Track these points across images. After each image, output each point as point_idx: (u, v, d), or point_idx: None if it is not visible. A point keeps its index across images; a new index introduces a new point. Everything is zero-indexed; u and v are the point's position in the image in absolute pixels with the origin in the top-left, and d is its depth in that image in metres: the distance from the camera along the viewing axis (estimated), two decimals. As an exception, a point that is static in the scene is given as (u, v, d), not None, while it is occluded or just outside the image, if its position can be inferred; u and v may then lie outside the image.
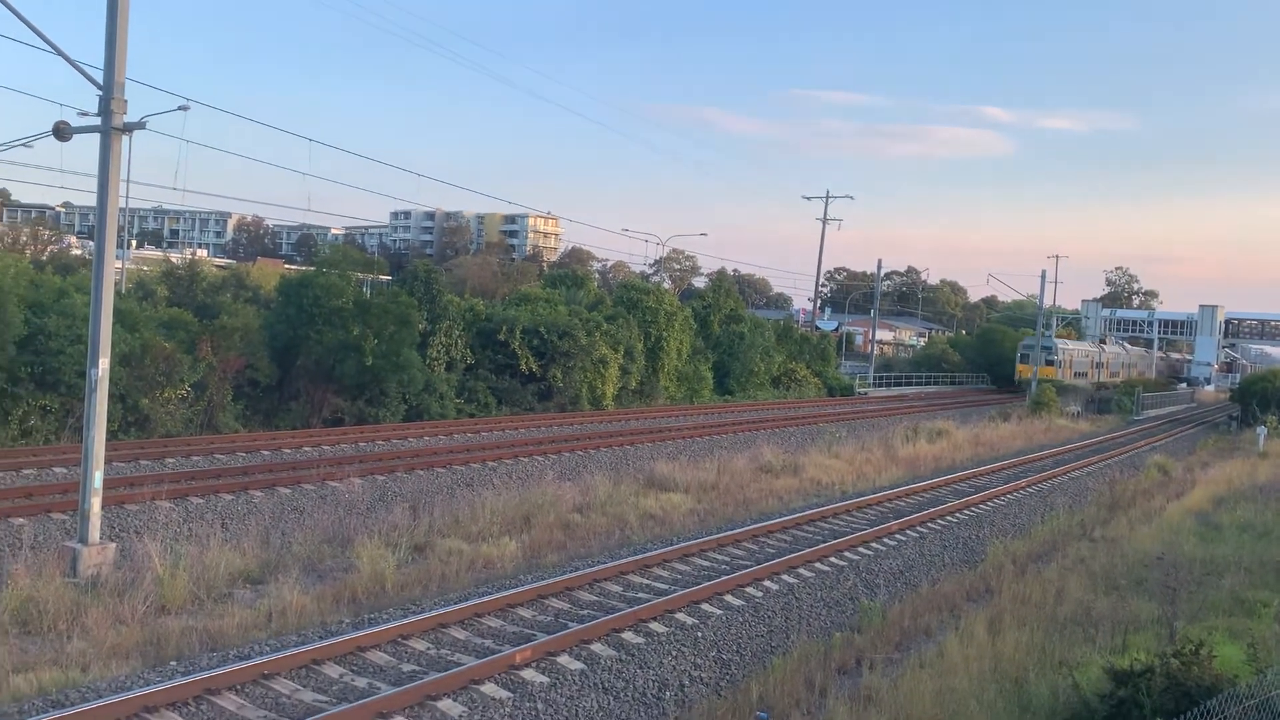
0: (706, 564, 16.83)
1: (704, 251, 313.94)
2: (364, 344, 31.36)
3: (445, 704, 10.16)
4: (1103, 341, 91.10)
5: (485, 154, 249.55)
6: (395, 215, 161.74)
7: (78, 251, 67.28)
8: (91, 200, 15.74)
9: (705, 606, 14.19)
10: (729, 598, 14.75)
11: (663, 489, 23.75)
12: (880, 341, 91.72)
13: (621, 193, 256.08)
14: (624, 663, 11.82)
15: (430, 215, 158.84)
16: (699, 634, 13.13)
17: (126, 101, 14.76)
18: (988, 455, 36.59)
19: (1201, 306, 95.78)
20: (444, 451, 27.50)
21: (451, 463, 25.76)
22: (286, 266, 79.15)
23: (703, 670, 12.22)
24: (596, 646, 12.14)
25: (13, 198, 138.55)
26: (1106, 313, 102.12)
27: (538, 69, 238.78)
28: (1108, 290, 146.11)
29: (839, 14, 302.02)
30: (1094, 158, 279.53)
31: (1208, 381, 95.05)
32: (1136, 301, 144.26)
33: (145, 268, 58.67)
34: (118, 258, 18.56)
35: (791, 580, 16.12)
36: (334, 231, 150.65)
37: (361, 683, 10.56)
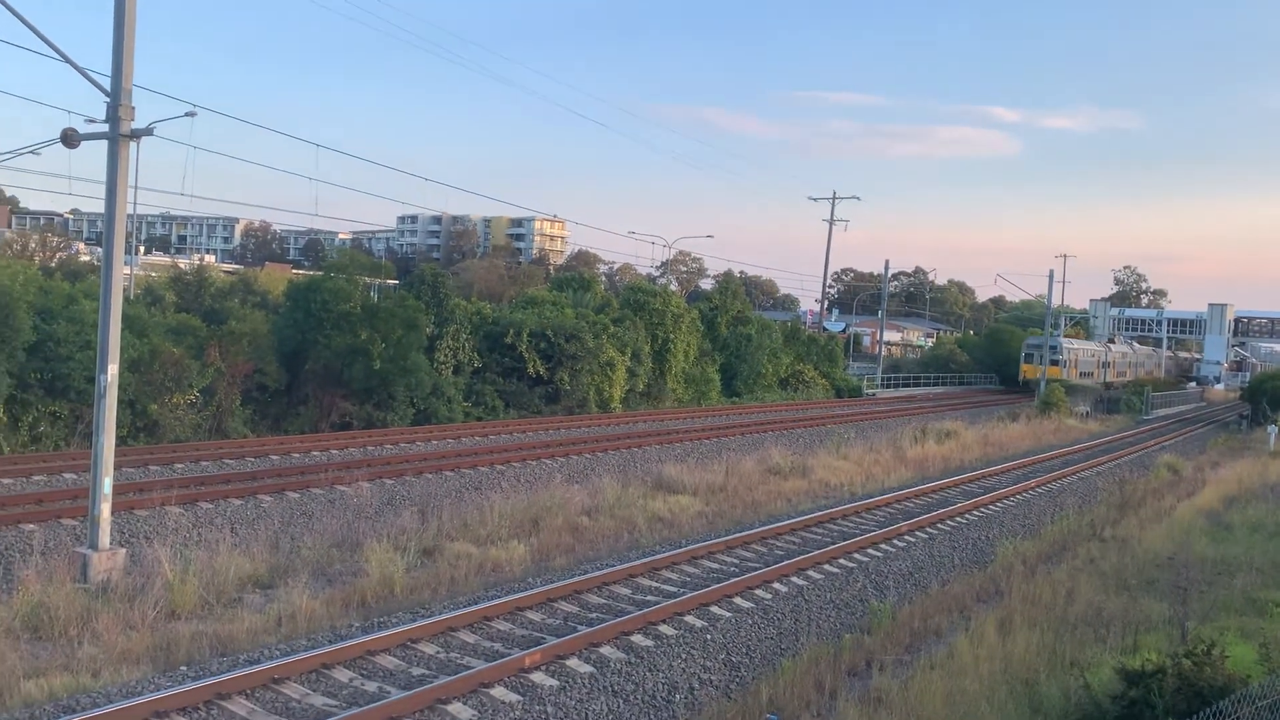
0: (715, 566, 16.81)
1: (710, 253, 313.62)
2: (372, 348, 31.40)
3: (455, 707, 10.16)
4: (1111, 341, 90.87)
5: (491, 158, 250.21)
6: (402, 219, 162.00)
7: (86, 258, 67.56)
8: (100, 207, 15.80)
9: (714, 609, 14.17)
10: (738, 600, 14.73)
11: (671, 491, 23.73)
12: (888, 342, 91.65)
13: (627, 195, 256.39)
14: (633, 666, 11.81)
15: (437, 219, 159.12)
16: (708, 636, 13.11)
17: (134, 108, 14.80)
18: (997, 456, 36.49)
19: (1210, 305, 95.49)
20: (452, 455, 27.51)
21: (459, 466, 25.77)
22: (294, 271, 79.39)
23: (712, 673, 12.20)
24: (606, 649, 12.13)
25: (21, 205, 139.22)
26: (1115, 312, 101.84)
27: (542, 72, 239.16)
28: (1116, 290, 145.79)
29: (841, 14, 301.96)
30: (1101, 157, 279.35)
31: (1217, 380, 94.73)
32: (1145, 301, 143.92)
33: (153, 274, 58.90)
34: (126, 264, 18.63)
35: (800, 582, 16.09)
36: (341, 236, 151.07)
37: (371, 686, 10.57)
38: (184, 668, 10.89)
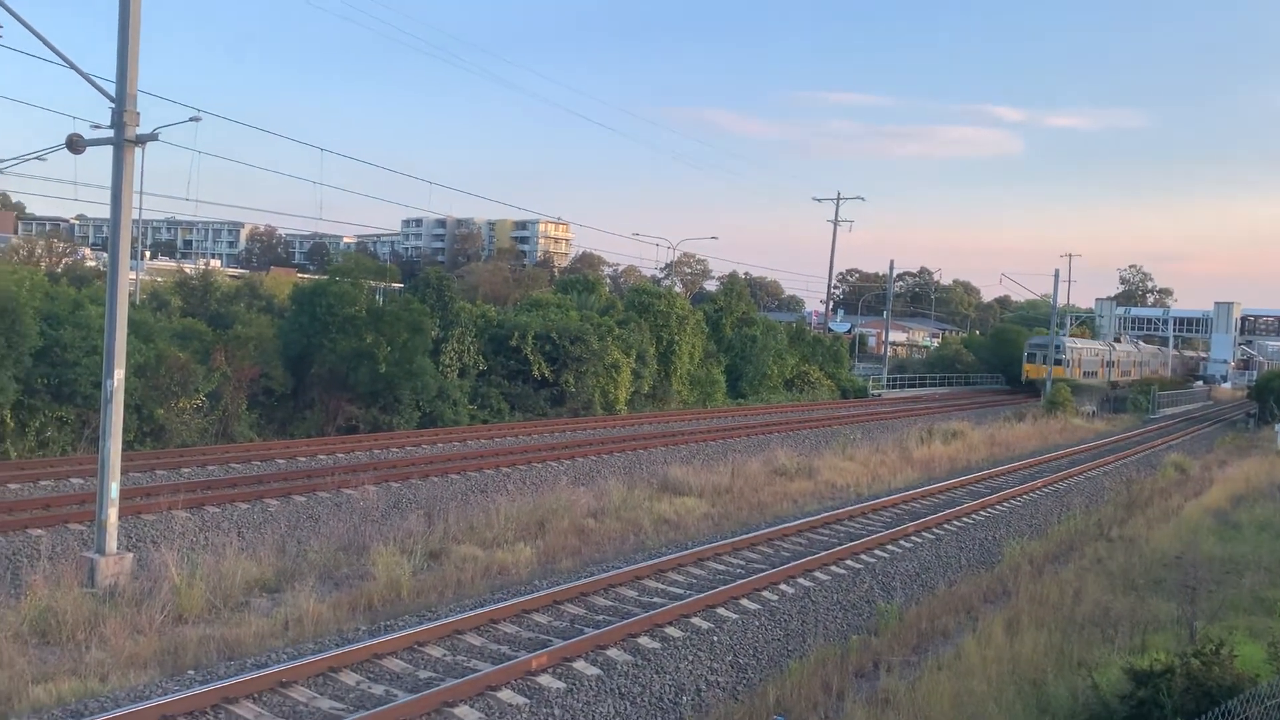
0: (722, 568, 16.79)
1: (715, 255, 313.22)
2: (377, 351, 31.43)
3: (462, 710, 10.17)
4: (1118, 340, 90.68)
5: (495, 161, 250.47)
6: (407, 223, 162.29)
7: (92, 263, 67.66)
8: (105, 212, 15.84)
9: (721, 610, 14.16)
10: (745, 601, 14.71)
11: (677, 493, 23.72)
12: (893, 343, 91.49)
13: (632, 197, 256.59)
14: (640, 668, 11.80)
15: (441, 222, 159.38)
16: (715, 638, 13.10)
17: (139, 114, 14.84)
18: (1003, 456, 36.43)
19: (1217, 304, 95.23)
20: (458, 458, 27.53)
21: (465, 469, 25.79)
22: (299, 275, 79.56)
23: (719, 675, 12.19)
24: (612, 652, 12.12)
25: (27, 211, 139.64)
26: (1121, 311, 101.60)
27: (546, 75, 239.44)
28: (1122, 289, 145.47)
29: (843, 14, 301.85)
30: (1105, 155, 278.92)
31: (1224, 379, 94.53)
32: (1151, 299, 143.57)
33: (159, 279, 59.05)
34: (132, 269, 18.62)
35: (807, 583, 16.07)
36: (346, 240, 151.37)
37: (378, 690, 10.57)
38: (191, 672, 10.91)
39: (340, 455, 26.88)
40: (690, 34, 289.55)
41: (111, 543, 14.56)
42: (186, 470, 23.07)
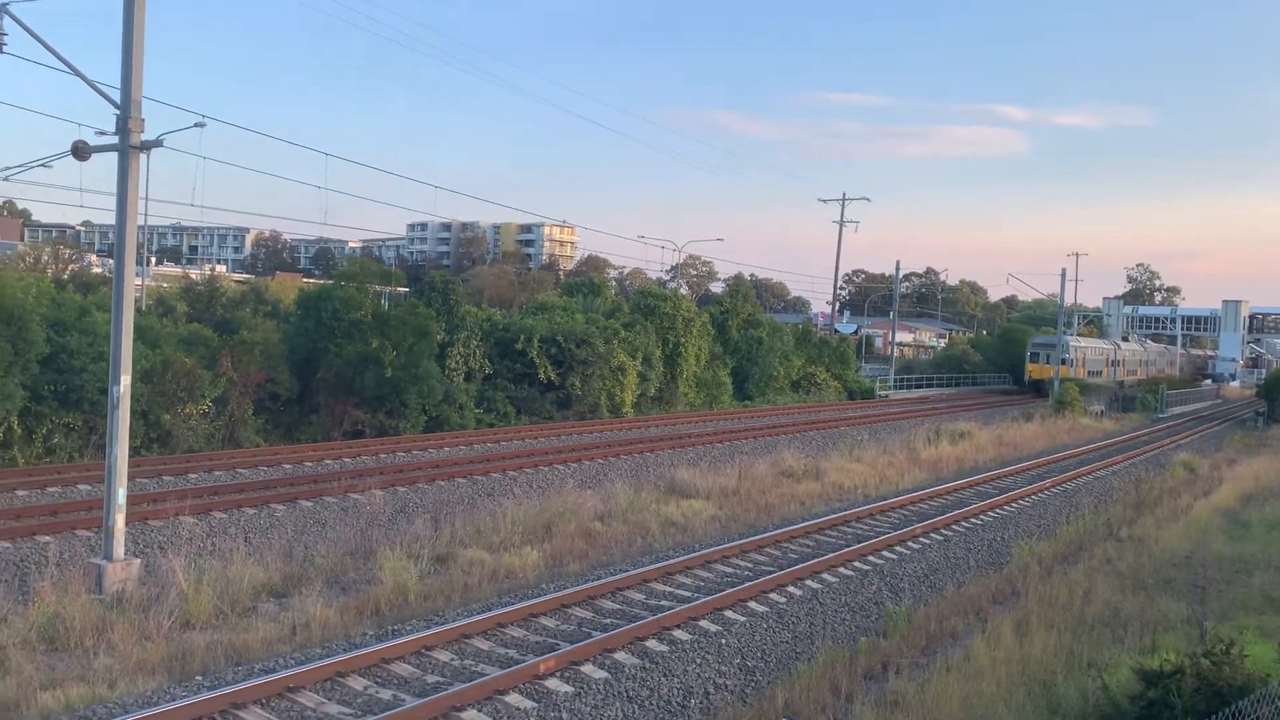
0: (729, 570, 16.76)
1: (720, 256, 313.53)
2: (383, 356, 31.45)
3: (470, 715, 10.15)
4: (1125, 339, 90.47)
5: (500, 165, 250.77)
6: (412, 227, 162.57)
7: (98, 269, 67.88)
8: (111, 218, 15.87)
9: (729, 613, 14.13)
10: (752, 604, 14.68)
11: (684, 495, 23.69)
12: (900, 343, 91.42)
13: (637, 200, 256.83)
14: (648, 671, 11.77)
15: (446, 226, 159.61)
16: (723, 641, 13.07)
17: (144, 120, 14.86)
18: (1011, 456, 36.32)
19: (1225, 302, 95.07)
20: (464, 462, 27.53)
21: (472, 473, 25.79)
22: (305, 280, 79.70)
23: (728, 677, 12.16)
24: (620, 655, 12.09)
25: (33, 217, 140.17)
26: (1129, 310, 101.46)
27: (549, 78, 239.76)
28: (1129, 287, 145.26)
29: (847, 15, 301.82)
30: (1112, 154, 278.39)
31: (1233, 377, 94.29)
32: (1159, 298, 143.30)
33: (165, 284, 59.20)
34: (138, 275, 18.70)
35: (815, 585, 16.03)
36: (351, 244, 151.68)
37: (386, 694, 10.56)
38: (199, 678, 10.91)
39: (346, 460, 26.90)
40: (694, 36, 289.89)
41: (119, 549, 14.58)
42: (193, 476, 23.10)
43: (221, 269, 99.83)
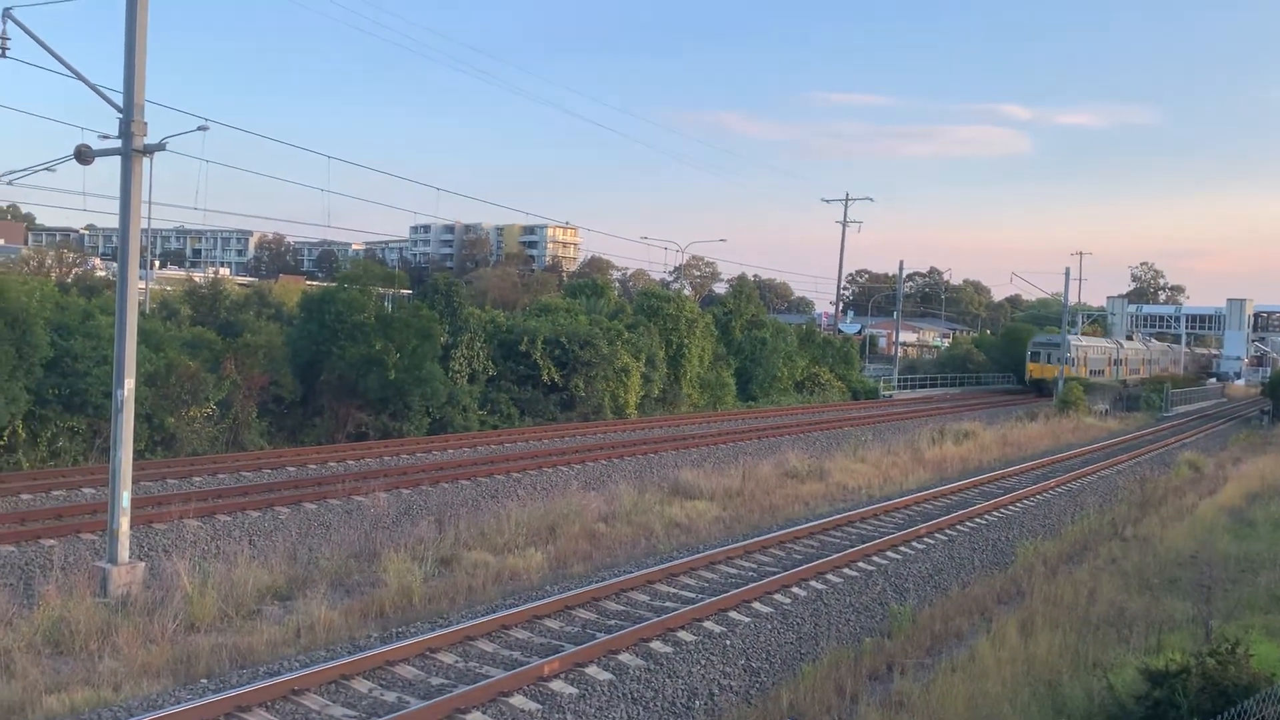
0: (733, 571, 16.75)
1: (724, 257, 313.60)
2: (386, 358, 31.47)
3: (474, 717, 10.15)
4: (1129, 337, 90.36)
5: (503, 166, 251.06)
6: (415, 229, 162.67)
7: (102, 273, 67.94)
8: (114, 222, 15.88)
9: (733, 614, 14.12)
10: (757, 605, 14.67)
11: (688, 497, 23.68)
12: (904, 343, 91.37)
13: (639, 201, 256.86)
14: (653, 672, 11.77)
15: (449, 228, 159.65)
16: (728, 642, 13.06)
17: (146, 124, 14.87)
18: (1015, 456, 36.28)
19: (1229, 300, 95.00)
20: (468, 464, 27.54)
21: (476, 475, 25.79)
22: (308, 283, 79.67)
23: (732, 679, 12.15)
24: (625, 656, 12.09)
25: (37, 221, 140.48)
26: (1133, 309, 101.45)
27: (551, 79, 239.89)
28: (1134, 286, 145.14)
29: (848, 15, 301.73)
30: (1116, 152, 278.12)
31: (1238, 376, 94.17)
32: (1163, 297, 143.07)
33: (169, 287, 59.27)
34: (141, 278, 18.76)
35: (820, 586, 16.02)
36: (354, 247, 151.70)
37: (390, 697, 10.56)
38: (204, 680, 10.91)
39: (350, 462, 26.91)
40: (696, 37, 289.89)
41: (123, 552, 14.59)
42: (197, 479, 23.12)
43: (225, 272, 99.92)
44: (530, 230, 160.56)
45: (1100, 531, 22.08)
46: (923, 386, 73.07)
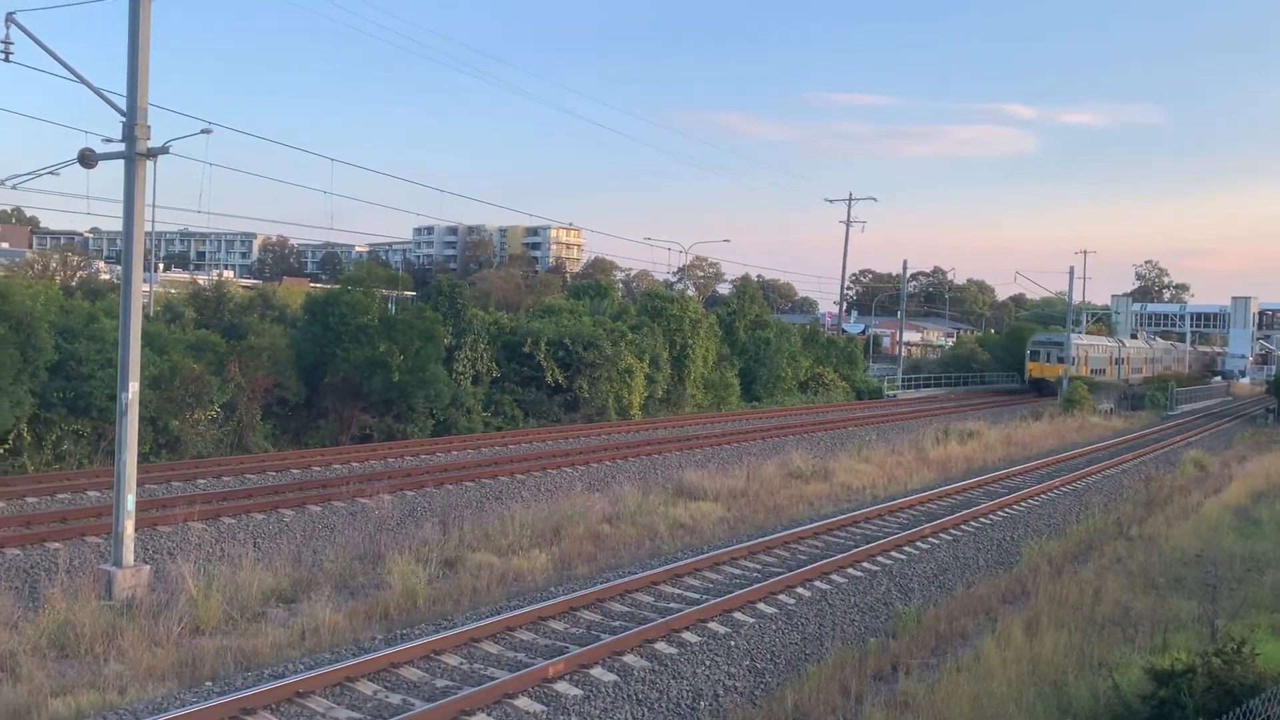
0: (738, 572, 16.74)
1: (727, 258, 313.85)
2: (390, 360, 31.49)
3: (479, 719, 10.15)
4: (1134, 336, 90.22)
5: (506, 168, 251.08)
6: (418, 231, 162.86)
7: (106, 276, 68.11)
8: (118, 225, 15.90)
9: (738, 615, 14.10)
10: (761, 605, 14.65)
11: (692, 497, 23.67)
12: (908, 343, 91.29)
13: (643, 202, 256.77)
14: (657, 673, 11.76)
15: (453, 230, 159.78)
16: (732, 643, 13.05)
17: (150, 127, 14.89)
18: (1020, 455, 36.23)
19: (1234, 298, 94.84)
20: (472, 465, 27.55)
21: (480, 476, 25.80)
22: (312, 285, 79.79)
23: (737, 679, 12.14)
24: (629, 658, 12.08)
25: (41, 225, 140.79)
26: (1137, 307, 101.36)
27: (554, 80, 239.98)
28: (1138, 285, 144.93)
29: (850, 15, 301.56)
30: (1119, 151, 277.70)
31: (1243, 374, 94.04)
32: (1168, 295, 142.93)
33: (173, 290, 59.36)
34: (145, 281, 18.77)
35: (824, 586, 16.00)
36: (358, 249, 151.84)
37: (395, 699, 10.56)
38: (209, 683, 10.92)
39: (355, 464, 26.94)
40: (698, 37, 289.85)
41: (128, 555, 14.61)
42: (202, 481, 23.15)
43: (229, 274, 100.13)
44: (534, 231, 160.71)
45: (1105, 531, 22.04)
46: (927, 386, 73.00)
